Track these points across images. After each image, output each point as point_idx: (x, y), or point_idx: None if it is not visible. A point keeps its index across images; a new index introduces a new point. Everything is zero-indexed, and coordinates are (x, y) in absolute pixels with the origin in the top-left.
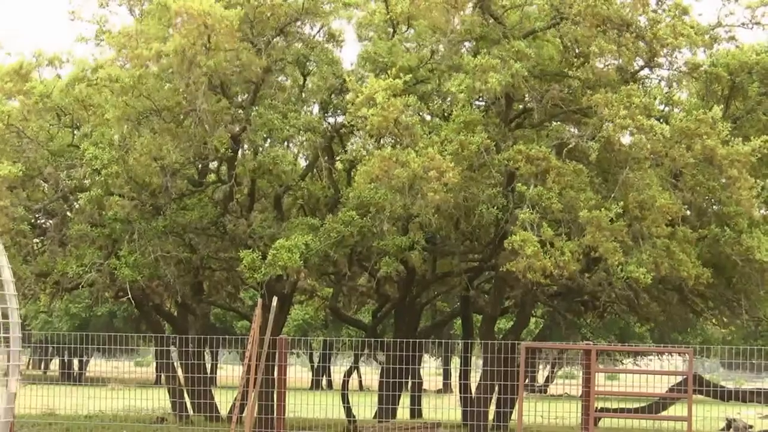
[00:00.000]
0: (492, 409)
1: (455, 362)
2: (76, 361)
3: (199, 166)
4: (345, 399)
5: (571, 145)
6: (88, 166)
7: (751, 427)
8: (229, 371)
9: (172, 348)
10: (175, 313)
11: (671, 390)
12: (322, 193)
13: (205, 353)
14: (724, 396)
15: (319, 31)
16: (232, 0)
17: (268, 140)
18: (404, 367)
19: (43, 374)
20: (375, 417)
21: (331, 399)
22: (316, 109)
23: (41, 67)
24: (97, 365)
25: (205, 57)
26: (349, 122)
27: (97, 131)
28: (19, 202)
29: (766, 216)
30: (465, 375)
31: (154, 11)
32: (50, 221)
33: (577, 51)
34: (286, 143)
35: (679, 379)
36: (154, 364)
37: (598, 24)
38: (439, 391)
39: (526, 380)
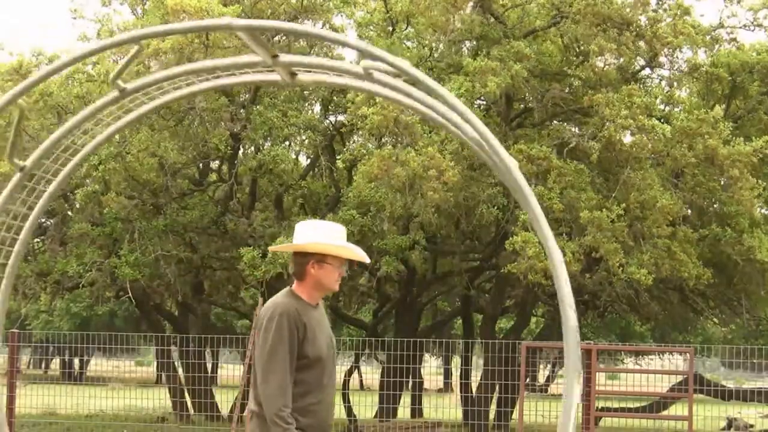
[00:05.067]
0: (493, 409)
1: (456, 362)
2: (76, 361)
3: (200, 165)
4: (346, 398)
5: (572, 145)
6: (86, 162)
7: (751, 426)
8: (230, 371)
9: (172, 347)
10: (176, 313)
11: (672, 389)
12: (322, 191)
13: (206, 353)
14: (725, 395)
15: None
16: None
17: (269, 139)
18: (405, 366)
19: (43, 373)
20: (376, 416)
21: None
22: (317, 107)
23: (41, 65)
24: (98, 365)
25: (203, 54)
26: (349, 121)
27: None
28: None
29: (767, 216)
30: (466, 374)
31: (153, 9)
32: (50, 221)
33: (577, 50)
34: (286, 142)
35: (680, 378)
36: (155, 363)
37: (598, 23)
38: (439, 391)
39: (527, 380)
